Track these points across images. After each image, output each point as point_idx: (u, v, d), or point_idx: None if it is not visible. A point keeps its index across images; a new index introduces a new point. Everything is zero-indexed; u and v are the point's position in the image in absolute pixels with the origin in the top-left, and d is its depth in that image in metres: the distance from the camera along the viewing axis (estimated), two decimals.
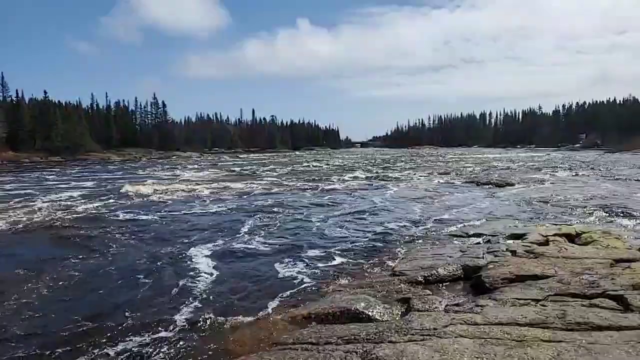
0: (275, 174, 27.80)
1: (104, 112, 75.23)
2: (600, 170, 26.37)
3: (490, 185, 17.68)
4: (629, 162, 35.10)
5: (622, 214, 10.13)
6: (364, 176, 24.73)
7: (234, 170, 31.49)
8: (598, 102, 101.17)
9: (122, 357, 3.77)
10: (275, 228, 9.48)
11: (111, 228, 9.52)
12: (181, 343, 4.00)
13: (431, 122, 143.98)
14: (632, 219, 9.51)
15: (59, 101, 66.42)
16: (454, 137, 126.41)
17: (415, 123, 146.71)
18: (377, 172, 27.69)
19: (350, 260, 6.75)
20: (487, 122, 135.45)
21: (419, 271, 5.62)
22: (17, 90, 62.46)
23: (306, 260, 6.83)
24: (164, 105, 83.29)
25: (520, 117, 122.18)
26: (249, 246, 7.84)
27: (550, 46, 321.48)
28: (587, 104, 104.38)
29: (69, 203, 13.75)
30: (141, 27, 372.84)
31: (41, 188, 19.00)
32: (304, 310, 4.46)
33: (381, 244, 7.78)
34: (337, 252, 7.27)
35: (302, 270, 6.26)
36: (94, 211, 12.07)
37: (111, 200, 14.30)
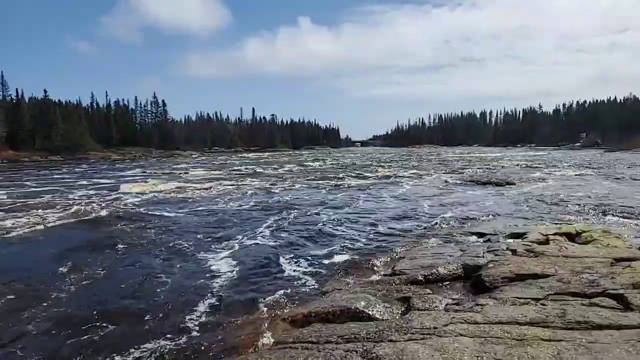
0: (277, 173, 27.81)
1: (104, 111, 75.14)
2: (600, 169, 26.36)
3: (490, 185, 17.67)
4: (629, 161, 35.08)
5: (622, 213, 10.13)
6: (364, 176, 24.73)
7: (236, 170, 31.55)
8: (598, 101, 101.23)
9: (119, 354, 3.78)
10: (277, 226, 9.51)
11: (134, 224, 9.90)
12: (181, 342, 4.01)
13: (431, 121, 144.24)
14: (632, 218, 9.51)
15: (59, 100, 66.55)
16: (454, 136, 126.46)
17: (416, 122, 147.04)
18: (376, 171, 27.68)
19: (351, 259, 6.75)
20: (488, 121, 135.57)
21: (419, 270, 5.62)
22: (17, 90, 62.82)
23: (307, 258, 6.84)
24: (164, 104, 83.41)
25: (521, 116, 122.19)
26: (251, 245, 7.86)
27: (551, 46, 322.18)
28: (588, 103, 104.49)
29: (94, 200, 14.25)
30: (141, 27, 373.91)
31: (63, 186, 19.49)
32: (305, 309, 4.46)
33: (381, 243, 7.78)
34: (337, 250, 7.28)
35: (303, 269, 6.27)
36: (115, 208, 12.34)
37: (128, 198, 14.66)
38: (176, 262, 6.74)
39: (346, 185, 18.95)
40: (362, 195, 15.35)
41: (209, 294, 5.29)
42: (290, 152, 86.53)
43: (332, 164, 39.57)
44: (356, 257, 6.89)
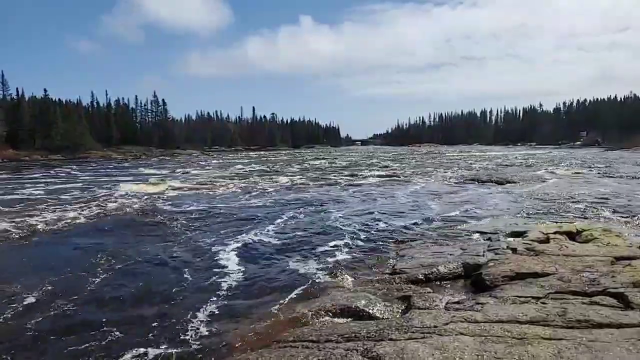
0: (281, 171, 27.82)
1: (104, 110, 75.08)
2: (600, 168, 26.33)
3: (491, 183, 17.66)
4: (630, 159, 35.06)
5: (622, 212, 10.12)
6: (364, 175, 24.73)
7: (242, 169, 31.72)
8: (599, 100, 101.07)
9: (117, 351, 3.78)
10: (282, 224, 9.59)
11: (151, 219, 10.44)
12: (180, 340, 4.01)
13: (432, 120, 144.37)
14: (633, 216, 9.50)
15: (59, 99, 66.54)
16: (455, 135, 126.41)
17: (416, 121, 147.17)
18: (376, 171, 27.68)
19: (351, 258, 6.75)
20: (488, 120, 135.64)
21: (420, 269, 5.62)
22: (17, 89, 62.83)
23: (308, 256, 6.85)
24: (164, 103, 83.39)
25: (521, 115, 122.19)
26: (252, 243, 7.86)
27: (551, 45, 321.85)
28: (588, 101, 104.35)
29: (112, 198, 14.54)
30: (142, 26, 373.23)
31: (82, 185, 19.81)
32: (305, 308, 4.46)
33: (382, 241, 7.78)
34: (338, 249, 7.28)
35: (303, 268, 6.26)
36: (129, 205, 12.64)
37: (143, 196, 15.04)
38: (187, 258, 6.91)
39: (347, 184, 18.95)
40: (363, 194, 15.34)
41: (210, 293, 5.28)
42: (291, 152, 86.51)
43: (333, 163, 39.55)
44: (357, 255, 6.89)
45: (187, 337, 4.08)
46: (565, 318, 3.52)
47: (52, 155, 52.82)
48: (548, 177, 20.62)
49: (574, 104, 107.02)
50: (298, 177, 23.33)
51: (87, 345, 3.93)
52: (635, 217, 9.35)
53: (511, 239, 7.02)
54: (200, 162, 44.24)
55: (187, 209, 12.13)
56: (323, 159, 48.32)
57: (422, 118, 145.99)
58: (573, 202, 11.95)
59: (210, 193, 16.03)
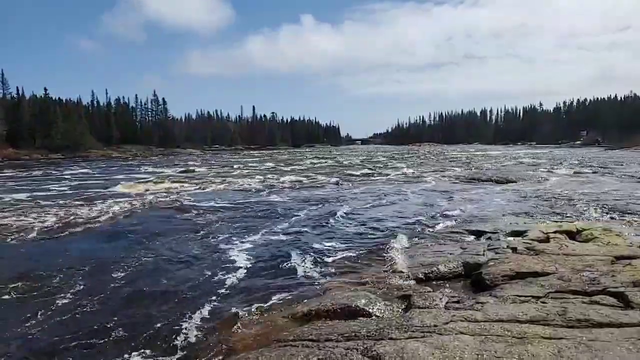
0: (282, 170, 27.82)
1: (104, 109, 75.08)
2: (600, 167, 26.31)
3: (491, 183, 17.66)
4: (630, 159, 35.04)
5: (622, 211, 10.11)
6: (364, 175, 24.73)
7: (247, 168, 31.69)
8: (599, 99, 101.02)
9: (117, 350, 3.78)
10: (279, 224, 9.54)
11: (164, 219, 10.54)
12: (180, 339, 4.01)
13: (432, 119, 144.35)
14: (633, 215, 9.49)
15: (59, 98, 66.38)
16: (455, 134, 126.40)
17: (416, 120, 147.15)
18: (376, 170, 27.67)
19: (352, 257, 6.74)
20: (488, 119, 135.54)
21: (420, 268, 5.62)
22: (17, 88, 62.66)
23: (310, 255, 6.85)
24: (164, 102, 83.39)
25: (521, 114, 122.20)
26: (253, 242, 7.86)
27: (551, 44, 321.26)
28: (588, 101, 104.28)
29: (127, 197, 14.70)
30: (143, 25, 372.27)
31: (102, 184, 20.11)
32: (305, 307, 4.46)
33: (382, 241, 7.76)
34: (338, 248, 7.28)
35: (303, 267, 6.26)
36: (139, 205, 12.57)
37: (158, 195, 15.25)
38: (190, 257, 6.95)
39: (348, 184, 18.95)
40: (364, 193, 15.34)
41: (211, 291, 5.29)
42: (291, 151, 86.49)
43: (333, 163, 39.52)
44: (357, 254, 6.88)
45: (187, 337, 4.08)
46: (566, 317, 3.52)
47: (52, 155, 52.81)
48: (548, 176, 20.60)
49: (574, 104, 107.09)
50: (300, 176, 23.32)
51: (90, 342, 3.94)
52: (636, 217, 9.35)
53: (511, 239, 7.01)
54: (205, 160, 44.23)
55: (198, 206, 12.40)
56: (324, 158, 48.28)
57: (423, 117, 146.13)
58: (573, 201, 11.94)
59: (211, 193, 16.03)
